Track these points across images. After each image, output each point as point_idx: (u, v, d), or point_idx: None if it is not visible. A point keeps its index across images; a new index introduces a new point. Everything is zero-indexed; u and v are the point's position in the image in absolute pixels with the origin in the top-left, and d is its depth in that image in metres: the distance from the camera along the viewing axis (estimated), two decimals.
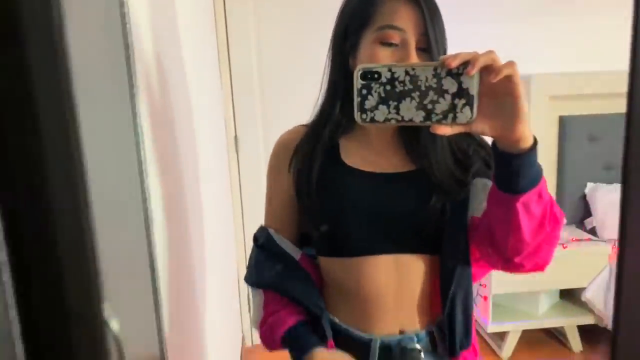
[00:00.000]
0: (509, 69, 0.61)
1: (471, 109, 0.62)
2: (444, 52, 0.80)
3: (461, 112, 0.62)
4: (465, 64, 0.61)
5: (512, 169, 0.67)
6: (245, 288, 2.72)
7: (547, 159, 2.59)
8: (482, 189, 0.81)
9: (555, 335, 2.64)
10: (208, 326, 1.38)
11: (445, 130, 0.63)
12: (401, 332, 0.87)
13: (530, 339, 2.57)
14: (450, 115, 0.63)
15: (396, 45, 0.77)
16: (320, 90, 0.92)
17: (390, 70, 0.64)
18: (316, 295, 0.88)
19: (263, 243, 0.93)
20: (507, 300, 2.56)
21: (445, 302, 0.83)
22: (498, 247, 0.77)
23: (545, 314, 2.51)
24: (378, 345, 0.86)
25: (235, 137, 2.63)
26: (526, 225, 0.71)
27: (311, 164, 0.86)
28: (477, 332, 2.73)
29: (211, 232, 1.58)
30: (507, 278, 2.35)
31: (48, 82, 0.33)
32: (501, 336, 2.54)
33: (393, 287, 0.85)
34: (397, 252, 0.85)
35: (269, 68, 2.57)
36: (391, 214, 0.83)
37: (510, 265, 0.78)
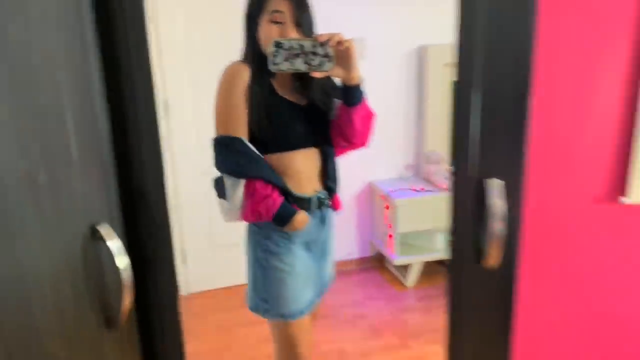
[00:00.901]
0: (348, 42, 1.24)
1: (331, 63, 1.22)
2: (310, 26, 1.33)
3: (326, 65, 1.22)
4: (330, 38, 1.20)
5: (350, 93, 1.34)
6: (180, 243, 2.93)
7: (442, 118, 3.03)
8: (335, 104, 1.44)
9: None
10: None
11: (318, 74, 1.25)
12: (316, 192, 1.46)
13: (430, 270, 3.07)
14: (320, 66, 1.21)
15: (281, 23, 1.29)
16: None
17: (289, 42, 1.19)
18: (281, 179, 1.38)
19: (241, 147, 1.32)
20: (410, 238, 3.02)
21: (329, 173, 1.48)
22: (344, 134, 1.43)
23: (442, 249, 3.01)
24: (314, 199, 1.44)
25: (166, 102, 2.75)
26: (358, 120, 1.38)
27: (262, 94, 1.34)
28: (386, 266, 3.20)
29: None
30: (409, 219, 2.80)
31: None
32: (406, 268, 3.01)
33: (309, 167, 1.43)
34: (308, 147, 1.43)
35: (195, 34, 2.70)
36: (304, 126, 1.40)
37: (350, 144, 1.46)
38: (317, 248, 1.51)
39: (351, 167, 2.67)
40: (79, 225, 0.61)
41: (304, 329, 1.49)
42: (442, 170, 3.00)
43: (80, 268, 0.62)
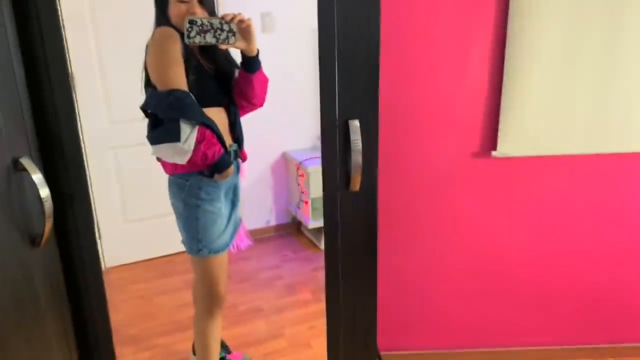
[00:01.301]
0: (248, 21, 1.46)
1: (235, 37, 1.44)
2: (212, 3, 1.56)
3: (231, 39, 1.44)
4: (233, 17, 1.42)
5: (250, 62, 1.59)
6: (95, 219, 2.94)
7: None
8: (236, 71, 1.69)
9: None
10: None
11: (224, 46, 1.47)
12: (230, 145, 1.68)
13: None
14: (226, 40, 1.44)
15: (187, 2, 1.50)
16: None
17: (201, 20, 1.40)
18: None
19: (191, 100, 1.52)
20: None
21: (237, 129, 1.72)
22: (245, 96, 1.68)
23: None
24: (232, 151, 1.68)
25: (71, 74, 2.73)
26: (257, 84, 1.64)
27: (191, 57, 1.55)
28: (302, 231, 3.41)
29: None
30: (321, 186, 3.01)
31: None
32: (320, 231, 3.24)
33: (222, 122, 1.65)
34: (219, 105, 1.65)
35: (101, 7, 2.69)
36: (215, 87, 1.63)
37: (250, 105, 1.71)
38: (231, 194, 1.78)
39: (266, 138, 2.84)
40: (3, 159, 0.72)
41: (225, 264, 1.77)
42: None
43: (5, 194, 0.73)
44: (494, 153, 1.66)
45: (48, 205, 0.78)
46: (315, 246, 3.24)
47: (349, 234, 0.98)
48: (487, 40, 1.57)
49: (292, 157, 3.20)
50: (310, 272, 2.99)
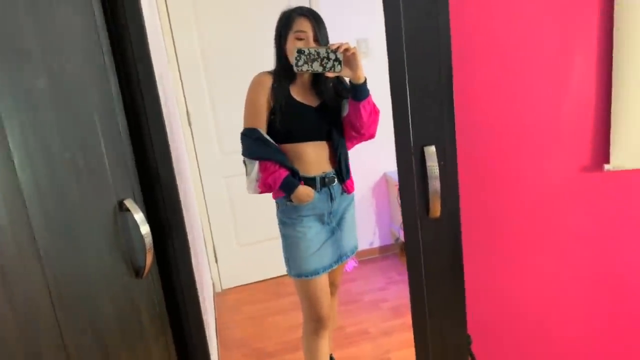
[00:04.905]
0: (354, 49, 1.54)
1: (341, 66, 1.51)
2: (326, 39, 1.67)
3: (337, 67, 1.51)
4: (339, 47, 1.51)
5: (357, 90, 1.62)
6: (211, 243, 3.19)
7: None
8: (346, 102, 1.74)
9: None
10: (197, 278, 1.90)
11: (331, 74, 1.55)
12: (323, 172, 1.77)
13: None
14: (332, 68, 1.51)
15: (304, 39, 1.64)
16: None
17: (308, 49, 1.50)
18: (288, 160, 1.72)
19: (258, 136, 1.68)
20: None
21: (339, 159, 1.77)
22: (354, 127, 1.73)
23: None
24: (318, 178, 1.75)
25: (187, 112, 3.02)
26: (364, 114, 1.66)
27: (280, 98, 1.69)
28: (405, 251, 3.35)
29: (190, 197, 2.06)
30: None
31: None
32: None
33: (317, 155, 1.76)
34: (318, 139, 1.76)
35: (210, 46, 2.95)
36: (314, 123, 1.74)
37: (360, 136, 1.76)
38: (332, 221, 1.83)
39: (367, 159, 2.86)
40: (110, 200, 0.83)
41: (320, 288, 1.80)
42: None
43: (113, 232, 0.84)
44: (606, 167, 1.50)
45: (148, 241, 0.88)
46: None
47: (431, 261, 0.96)
48: (591, 44, 1.44)
49: (393, 178, 3.18)
50: None
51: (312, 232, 1.77)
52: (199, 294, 1.47)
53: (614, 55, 1.37)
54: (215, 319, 2.92)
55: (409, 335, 2.55)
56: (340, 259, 1.87)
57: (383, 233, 3.47)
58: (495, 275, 1.68)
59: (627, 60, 1.36)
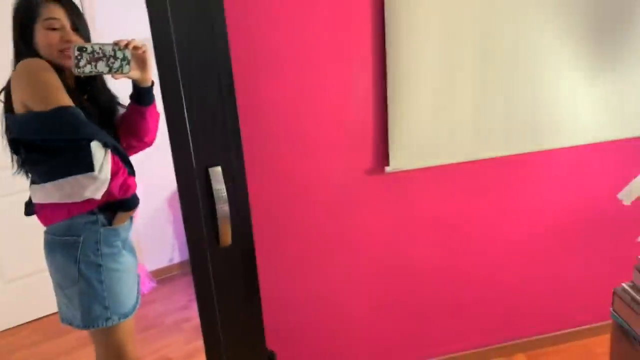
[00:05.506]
0: (145, 47, 1.29)
1: (129, 66, 1.27)
2: (87, 30, 1.37)
3: (126, 67, 1.26)
4: (128, 44, 1.25)
5: (145, 94, 1.39)
6: None
7: None
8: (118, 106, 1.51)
9: None
10: None
11: (118, 76, 1.26)
12: None
13: None
14: (120, 69, 1.25)
15: (59, 29, 1.29)
16: None
17: (91, 46, 1.19)
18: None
19: (84, 117, 1.28)
20: None
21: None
22: (136, 135, 1.48)
23: None
24: None
25: None
26: (150, 120, 1.46)
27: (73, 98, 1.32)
28: None
29: None
30: None
31: None
32: None
33: None
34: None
35: None
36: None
37: (141, 143, 1.51)
38: (128, 245, 1.54)
39: (158, 171, 2.62)
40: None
41: (133, 327, 1.53)
42: None
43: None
44: (387, 168, 1.62)
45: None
46: None
47: (223, 292, 0.86)
48: (367, 56, 1.53)
49: None
50: None
51: (126, 261, 1.48)
52: None
53: (387, 64, 1.48)
54: None
55: None
56: (138, 284, 1.63)
57: (183, 247, 3.26)
58: (294, 282, 1.68)
59: (399, 68, 1.48)
